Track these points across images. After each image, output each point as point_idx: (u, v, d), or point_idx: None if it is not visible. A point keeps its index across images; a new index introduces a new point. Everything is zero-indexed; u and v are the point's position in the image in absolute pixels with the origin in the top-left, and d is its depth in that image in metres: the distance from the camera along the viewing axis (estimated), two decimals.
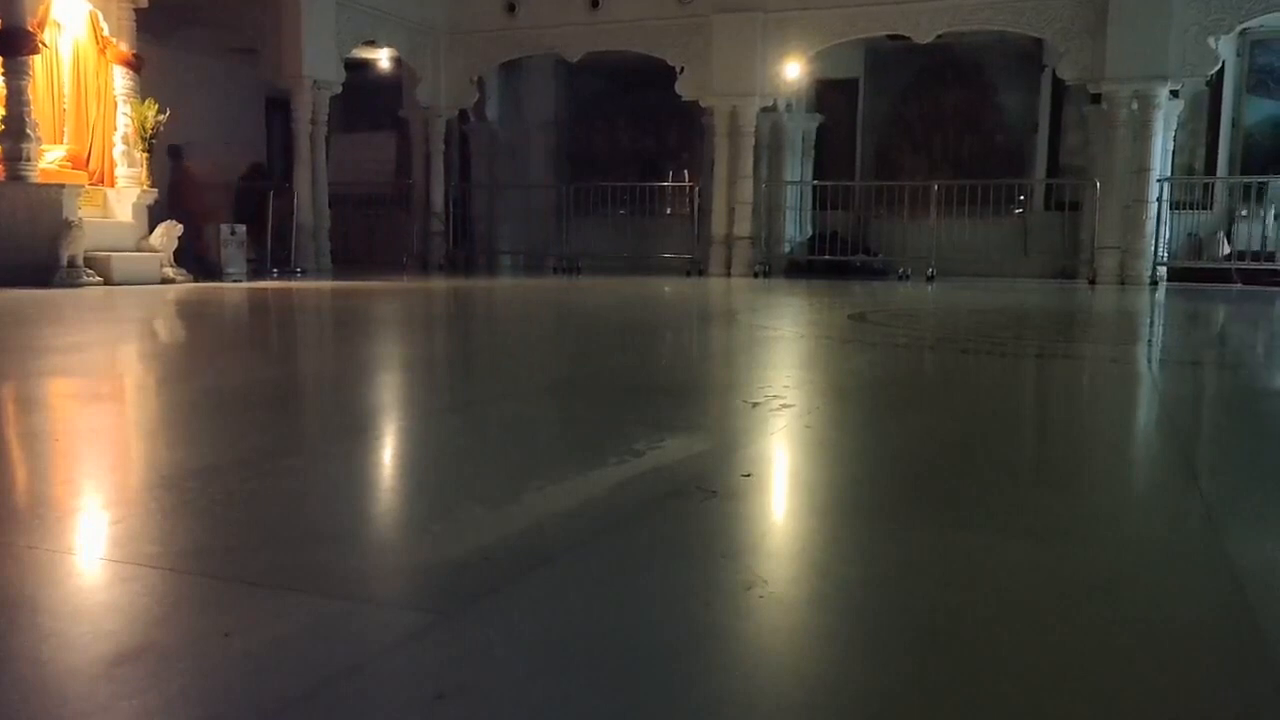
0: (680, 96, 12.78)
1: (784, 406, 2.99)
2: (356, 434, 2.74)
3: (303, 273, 11.63)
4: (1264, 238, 11.17)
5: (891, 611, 1.38)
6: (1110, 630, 1.32)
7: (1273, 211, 11.22)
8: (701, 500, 1.92)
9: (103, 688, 1.08)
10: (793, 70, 12.27)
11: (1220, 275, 11.23)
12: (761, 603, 1.39)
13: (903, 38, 12.05)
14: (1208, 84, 11.61)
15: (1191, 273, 11.33)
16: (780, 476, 2.28)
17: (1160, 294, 9.78)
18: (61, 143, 9.62)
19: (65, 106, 9.70)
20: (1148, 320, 7.26)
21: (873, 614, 1.38)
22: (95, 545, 1.66)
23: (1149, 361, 4.84)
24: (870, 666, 1.20)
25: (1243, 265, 11.20)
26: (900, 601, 1.42)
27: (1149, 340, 5.90)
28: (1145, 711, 1.09)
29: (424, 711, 1.05)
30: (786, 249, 13.58)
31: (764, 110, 12.69)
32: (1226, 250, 11.58)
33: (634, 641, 1.25)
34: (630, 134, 15.23)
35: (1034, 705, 1.10)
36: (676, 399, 3.41)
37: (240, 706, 1.06)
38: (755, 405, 3.05)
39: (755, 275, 12.41)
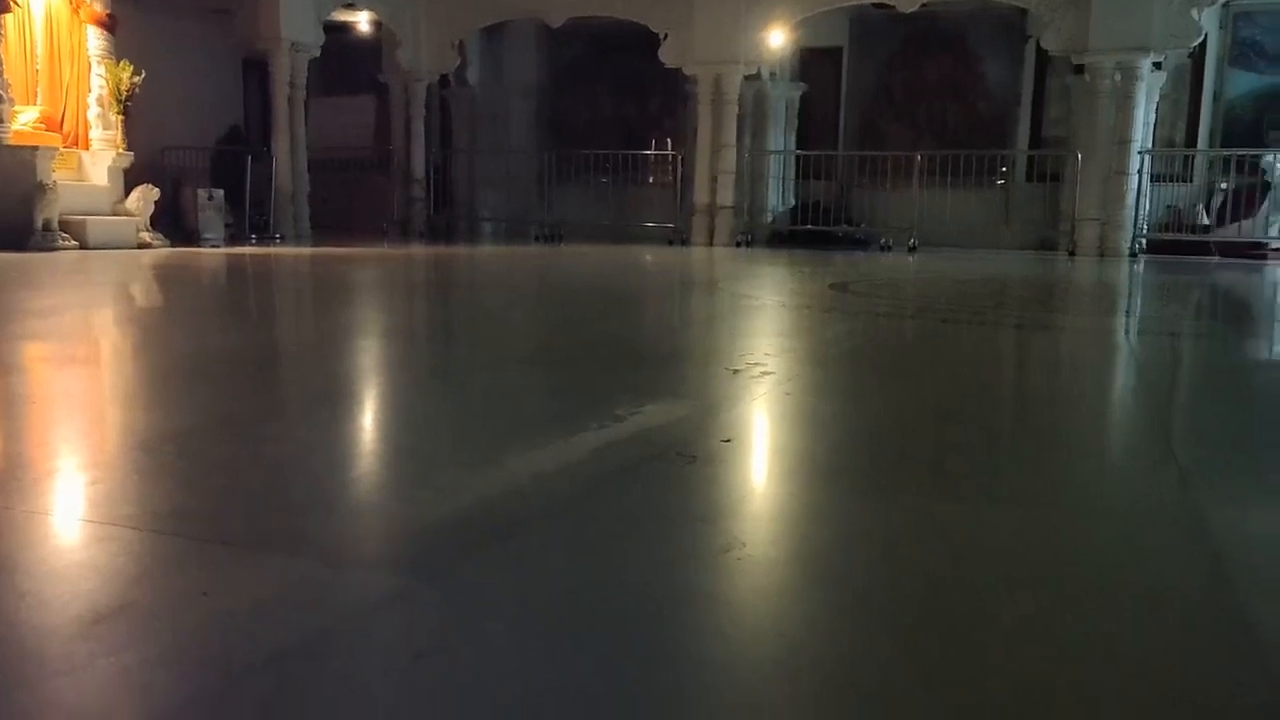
0: (663, 64, 12.68)
1: (765, 374, 3.00)
2: (337, 399, 2.73)
3: (281, 239, 11.52)
4: (1240, 210, 11.22)
5: (869, 574, 1.39)
6: (1088, 595, 1.34)
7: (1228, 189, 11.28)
8: (682, 465, 1.93)
9: (80, 646, 1.08)
10: (777, 38, 12.18)
11: (1199, 248, 11.29)
12: (740, 565, 1.39)
13: (888, 6, 11.96)
14: (1190, 56, 11.61)
15: (1169, 245, 11.38)
16: (760, 442, 2.29)
17: (1139, 266, 9.84)
18: (34, 104, 9.46)
19: (38, 67, 9.53)
20: (1127, 292, 7.31)
21: (851, 577, 1.39)
22: (72, 506, 1.65)
23: (1127, 332, 4.88)
24: (848, 628, 1.21)
25: (1221, 239, 11.26)
26: (878, 565, 1.43)
27: (1128, 311, 5.94)
28: (1123, 673, 1.10)
29: (403, 670, 1.05)
30: (769, 219, 13.54)
31: (748, 78, 12.60)
32: (1206, 222, 11.64)
33: (613, 603, 1.26)
34: (612, 101, 15.10)
35: (1013, 667, 1.11)
36: (658, 366, 3.41)
37: (219, 664, 1.06)
38: (736, 372, 3.05)
39: (738, 245, 12.38)
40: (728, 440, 2.18)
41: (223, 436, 2.15)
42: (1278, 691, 1.07)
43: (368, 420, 2.50)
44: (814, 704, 1.02)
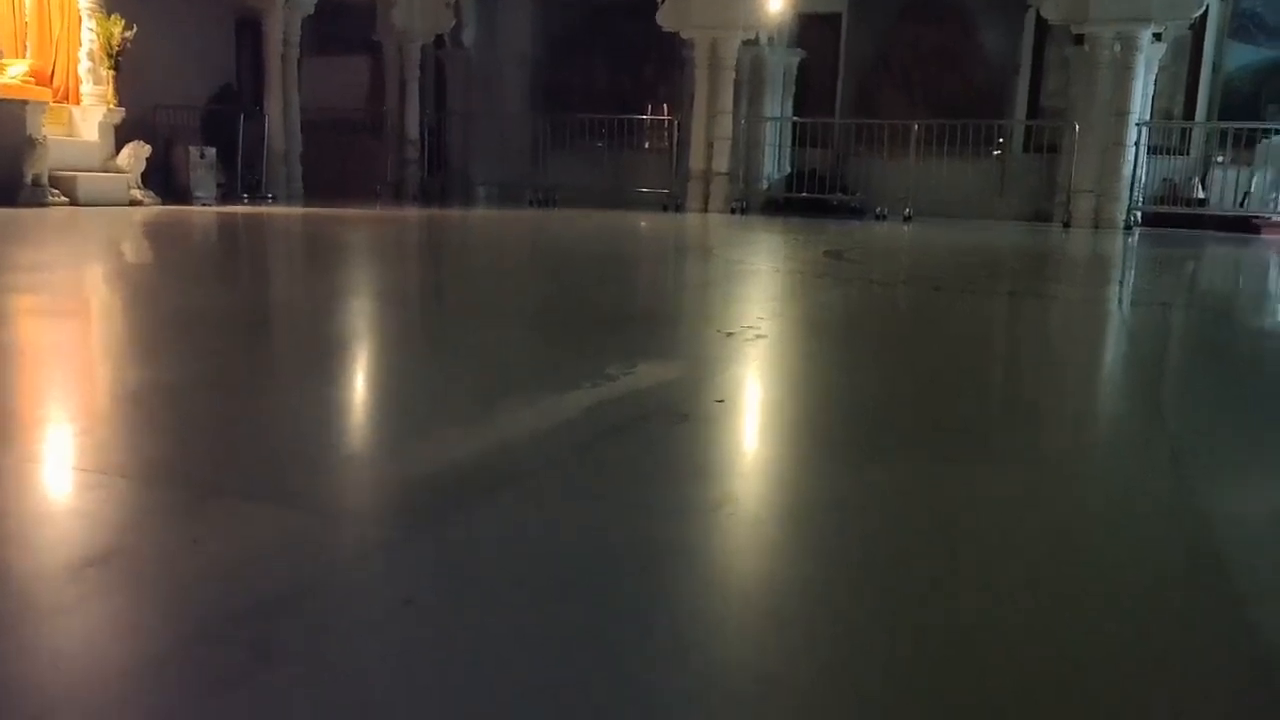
0: (661, 28, 12.55)
1: (758, 337, 3.00)
2: (330, 357, 2.72)
3: (273, 199, 11.45)
4: (1237, 183, 11.22)
5: (858, 531, 1.39)
6: (1081, 555, 1.34)
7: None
8: (674, 424, 1.93)
9: (70, 589, 1.08)
10: (775, 3, 12.07)
11: (1194, 220, 11.28)
12: (730, 520, 1.40)
13: None
14: (1190, 28, 11.54)
15: (1165, 218, 11.37)
16: (752, 403, 2.29)
17: (1134, 238, 9.84)
18: (23, 57, 9.35)
19: (26, 19, 9.40)
20: (1120, 263, 7.31)
21: (840, 533, 1.39)
22: (61, 455, 1.64)
23: (1119, 301, 4.88)
24: (835, 582, 1.22)
25: (1217, 212, 11.26)
26: (866, 522, 1.43)
27: (1120, 281, 5.94)
28: (1113, 620, 1.11)
29: (392, 616, 1.05)
30: (764, 186, 13.49)
31: (745, 44, 12.50)
32: (1201, 195, 11.63)
33: (603, 554, 1.26)
34: (608, 65, 14.97)
35: (990, 620, 1.12)
36: (652, 329, 3.40)
37: (209, 609, 1.06)
38: (730, 335, 3.05)
39: (733, 212, 12.33)
40: (721, 401, 2.18)
41: (215, 390, 2.14)
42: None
43: (361, 377, 2.50)
44: (803, 658, 1.03)
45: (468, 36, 14.91)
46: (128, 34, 9.67)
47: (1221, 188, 11.47)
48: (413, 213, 10.80)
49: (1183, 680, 1.00)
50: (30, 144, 8.50)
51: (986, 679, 0.97)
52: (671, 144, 13.32)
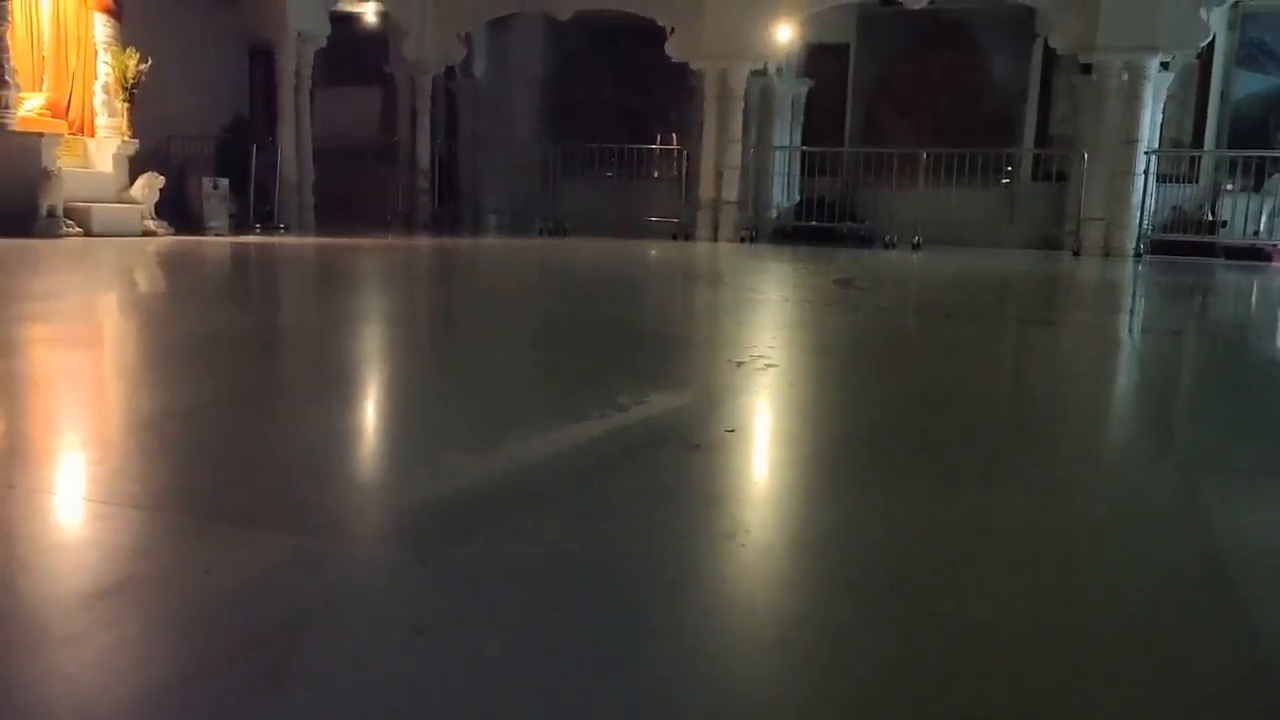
0: (670, 57, 12.65)
1: (768, 366, 3.00)
2: (341, 383, 2.73)
3: (286, 228, 11.51)
4: (1247, 212, 11.20)
5: (865, 557, 1.39)
6: (1079, 576, 1.34)
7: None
8: (685, 452, 1.92)
9: (82, 618, 1.08)
10: (784, 34, 12.16)
11: (1203, 249, 11.25)
12: (742, 549, 1.39)
13: (895, 3, 11.94)
14: (1198, 57, 11.57)
15: (1175, 246, 11.35)
16: (763, 432, 2.29)
17: (1143, 266, 9.82)
18: (40, 91, 9.46)
19: (44, 54, 9.52)
20: (1130, 290, 7.29)
21: (848, 559, 1.38)
22: (76, 484, 1.65)
23: (1129, 329, 4.87)
24: (843, 607, 1.21)
25: (1227, 241, 11.24)
26: (874, 548, 1.43)
27: (1130, 309, 5.93)
28: (1109, 644, 1.10)
29: (404, 645, 1.05)
30: (774, 215, 13.53)
31: (754, 74, 12.58)
32: (1211, 218, 11.61)
33: (615, 580, 1.26)
34: (618, 93, 15.09)
35: (997, 643, 1.11)
36: (663, 358, 3.41)
37: (219, 637, 1.06)
38: (740, 364, 3.05)
39: (742, 240, 12.36)
40: (731, 430, 2.18)
41: (226, 416, 2.15)
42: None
43: (372, 402, 2.50)
44: (810, 685, 1.02)
45: (478, 67, 15.05)
46: (142, 67, 9.78)
47: (1232, 215, 11.45)
48: (424, 242, 10.85)
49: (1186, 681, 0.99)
50: (45, 176, 8.58)
51: (988, 688, 0.96)
52: (681, 173, 13.39)
